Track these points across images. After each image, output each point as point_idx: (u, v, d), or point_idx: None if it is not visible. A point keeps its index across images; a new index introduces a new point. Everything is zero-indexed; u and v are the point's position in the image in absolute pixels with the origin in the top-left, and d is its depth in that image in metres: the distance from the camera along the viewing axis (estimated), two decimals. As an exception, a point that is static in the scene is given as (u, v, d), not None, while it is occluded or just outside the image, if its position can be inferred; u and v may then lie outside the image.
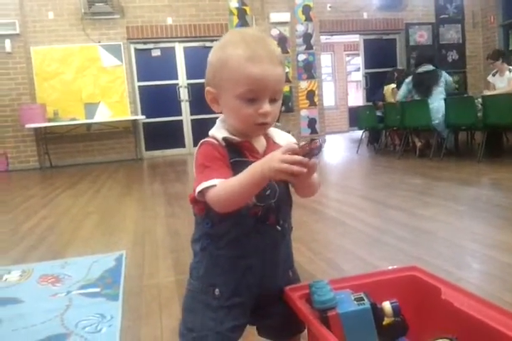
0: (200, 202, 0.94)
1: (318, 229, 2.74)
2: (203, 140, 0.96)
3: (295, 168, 0.78)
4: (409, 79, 5.99)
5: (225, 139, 0.94)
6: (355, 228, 2.67)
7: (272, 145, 0.99)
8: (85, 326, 1.53)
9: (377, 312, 0.89)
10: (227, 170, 0.90)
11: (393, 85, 7.06)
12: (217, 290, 0.98)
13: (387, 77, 7.46)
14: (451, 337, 0.80)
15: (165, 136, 8.83)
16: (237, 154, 0.94)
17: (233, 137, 0.95)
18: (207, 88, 0.96)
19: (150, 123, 8.68)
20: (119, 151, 8.54)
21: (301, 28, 8.95)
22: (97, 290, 1.87)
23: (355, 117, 8.18)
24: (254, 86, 0.89)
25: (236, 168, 0.91)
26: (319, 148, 0.78)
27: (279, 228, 0.99)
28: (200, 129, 8.78)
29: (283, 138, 1.02)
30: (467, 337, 0.82)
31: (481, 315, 0.89)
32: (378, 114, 6.81)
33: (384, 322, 0.93)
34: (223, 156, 0.93)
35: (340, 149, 8.29)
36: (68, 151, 8.30)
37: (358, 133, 7.74)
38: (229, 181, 0.87)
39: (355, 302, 0.90)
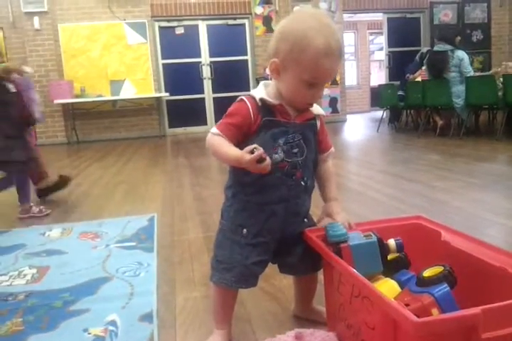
0: None
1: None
2: (242, 96, 1.12)
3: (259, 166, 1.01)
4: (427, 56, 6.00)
5: (261, 99, 1.09)
6: (372, 197, 2.80)
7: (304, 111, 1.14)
8: (125, 271, 1.72)
9: (382, 246, 1.04)
10: (236, 131, 1.08)
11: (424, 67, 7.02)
12: (244, 230, 1.14)
13: (414, 62, 7.30)
14: (443, 264, 0.94)
15: (187, 113, 8.95)
16: (269, 114, 1.09)
17: (269, 99, 1.09)
18: (274, 59, 1.07)
19: (173, 100, 8.81)
20: (143, 128, 8.72)
21: (323, 6, 8.91)
22: (133, 244, 2.06)
23: (377, 97, 8.17)
24: (320, 75, 1.04)
25: (266, 125, 1.07)
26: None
27: (303, 183, 1.15)
28: (222, 107, 8.83)
29: (314, 107, 1.17)
30: (460, 268, 0.96)
31: (472, 250, 1.03)
32: (399, 92, 6.83)
33: (389, 257, 1.07)
34: (249, 114, 1.08)
35: (360, 128, 8.33)
36: (94, 127, 8.52)
37: (379, 113, 7.75)
38: (223, 144, 1.06)
39: (364, 238, 1.05)
